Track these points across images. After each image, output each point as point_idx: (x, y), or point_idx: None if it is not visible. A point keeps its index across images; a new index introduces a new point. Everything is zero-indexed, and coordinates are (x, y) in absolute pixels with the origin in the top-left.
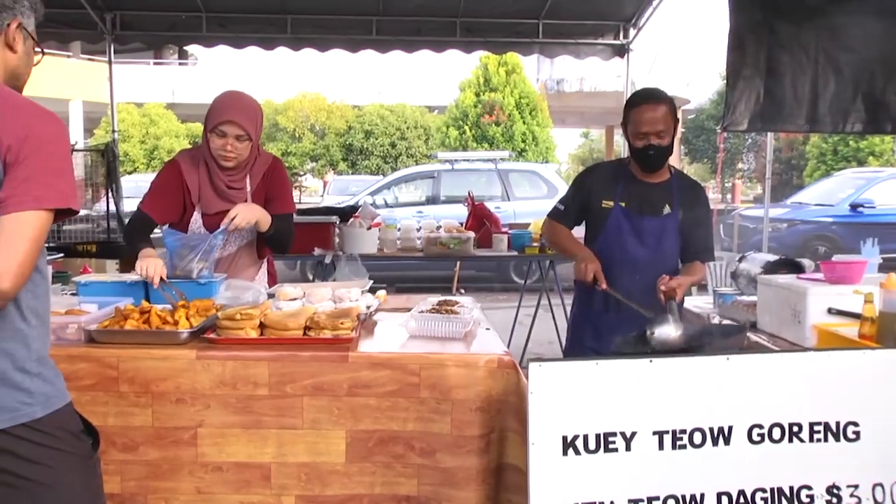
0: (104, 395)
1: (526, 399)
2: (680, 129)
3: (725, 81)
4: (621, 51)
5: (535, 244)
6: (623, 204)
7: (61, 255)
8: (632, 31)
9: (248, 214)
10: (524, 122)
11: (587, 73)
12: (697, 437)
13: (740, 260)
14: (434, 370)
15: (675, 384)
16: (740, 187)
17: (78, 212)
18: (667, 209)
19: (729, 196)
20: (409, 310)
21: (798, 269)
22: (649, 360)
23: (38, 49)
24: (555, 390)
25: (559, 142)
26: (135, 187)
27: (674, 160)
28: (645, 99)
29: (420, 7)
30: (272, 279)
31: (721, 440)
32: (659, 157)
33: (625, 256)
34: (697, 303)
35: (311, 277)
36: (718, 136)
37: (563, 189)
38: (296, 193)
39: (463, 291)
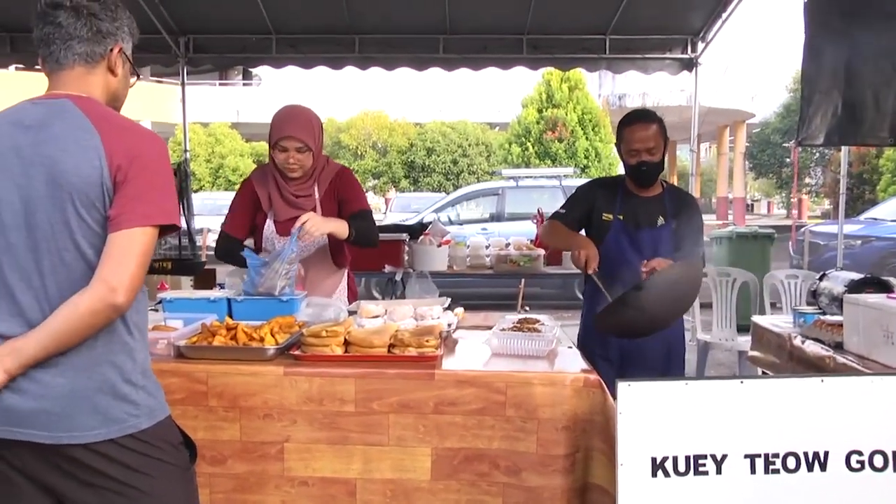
0: (194, 409)
1: (612, 419)
2: (744, 144)
3: (800, 94)
4: (689, 65)
5: None
6: (621, 217)
7: None
8: (700, 45)
9: (321, 225)
10: (587, 138)
11: (649, 88)
12: (791, 462)
13: (821, 278)
14: (520, 388)
15: (767, 406)
16: (807, 203)
17: (180, 228)
18: (661, 220)
19: (795, 212)
20: (487, 327)
21: (886, 288)
22: (740, 381)
23: (134, 72)
24: (644, 410)
25: None
26: (201, 204)
27: (737, 175)
28: (637, 118)
29: (487, 25)
30: (352, 294)
31: (817, 466)
32: (651, 172)
33: (624, 267)
34: (776, 321)
35: (377, 295)
36: (792, 151)
37: None
38: None
39: (528, 308)
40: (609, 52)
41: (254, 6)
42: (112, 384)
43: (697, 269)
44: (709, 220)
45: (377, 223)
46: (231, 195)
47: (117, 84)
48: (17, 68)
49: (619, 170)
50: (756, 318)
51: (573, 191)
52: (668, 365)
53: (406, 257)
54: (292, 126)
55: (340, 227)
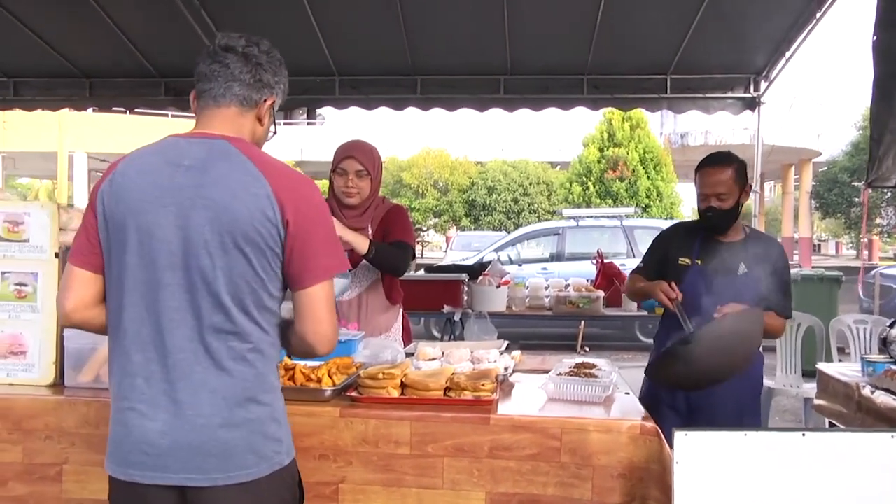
0: None
1: (670, 468)
2: (810, 183)
3: (869, 134)
4: (752, 104)
5: None
6: (699, 262)
7: None
8: (763, 84)
9: (340, 230)
10: (648, 178)
11: (712, 127)
12: None
13: (892, 325)
14: (576, 434)
15: (832, 461)
16: (878, 243)
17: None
18: (742, 268)
19: (865, 253)
20: (544, 371)
21: None
22: (801, 434)
23: (274, 128)
24: (701, 461)
25: (684, 196)
26: None
27: (802, 215)
28: (710, 162)
29: (547, 66)
30: (406, 333)
31: None
32: (719, 219)
33: (699, 314)
34: (843, 369)
35: (436, 334)
36: (862, 192)
37: None
38: (418, 248)
39: (587, 349)
40: (670, 92)
41: (318, 49)
42: (262, 423)
43: (753, 322)
44: None
45: (438, 261)
46: None
47: (261, 133)
48: (172, 115)
49: (682, 210)
50: (821, 366)
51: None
52: (739, 419)
53: (465, 297)
54: (352, 149)
55: (359, 241)
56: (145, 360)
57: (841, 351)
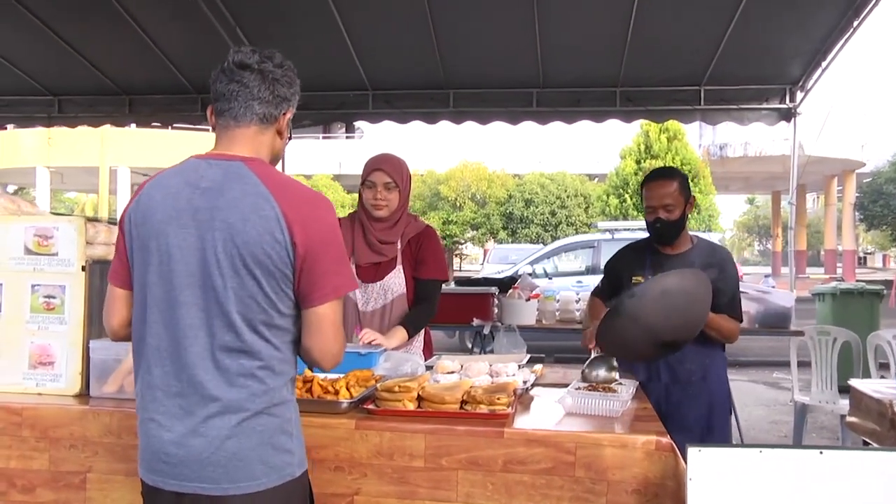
0: None
1: (684, 484)
2: (853, 194)
3: None
4: (788, 115)
5: None
6: (651, 277)
7: None
8: (799, 95)
9: (384, 342)
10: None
11: (752, 138)
12: None
13: None
14: (590, 449)
15: (851, 479)
16: None
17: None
18: None
19: None
20: (565, 385)
21: None
22: (819, 452)
23: (290, 136)
24: (715, 478)
25: (723, 209)
26: None
27: (846, 227)
28: (656, 177)
29: (579, 78)
30: (427, 348)
31: None
32: (666, 230)
33: None
34: (877, 386)
35: (470, 346)
36: None
37: None
38: (456, 261)
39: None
40: (703, 104)
41: (351, 64)
42: (272, 434)
43: (698, 281)
44: (817, 273)
45: (473, 277)
46: None
47: (281, 146)
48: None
49: (721, 222)
50: (854, 382)
51: None
52: (709, 429)
53: (496, 310)
54: (381, 162)
55: (401, 339)
56: (164, 374)
57: (884, 367)
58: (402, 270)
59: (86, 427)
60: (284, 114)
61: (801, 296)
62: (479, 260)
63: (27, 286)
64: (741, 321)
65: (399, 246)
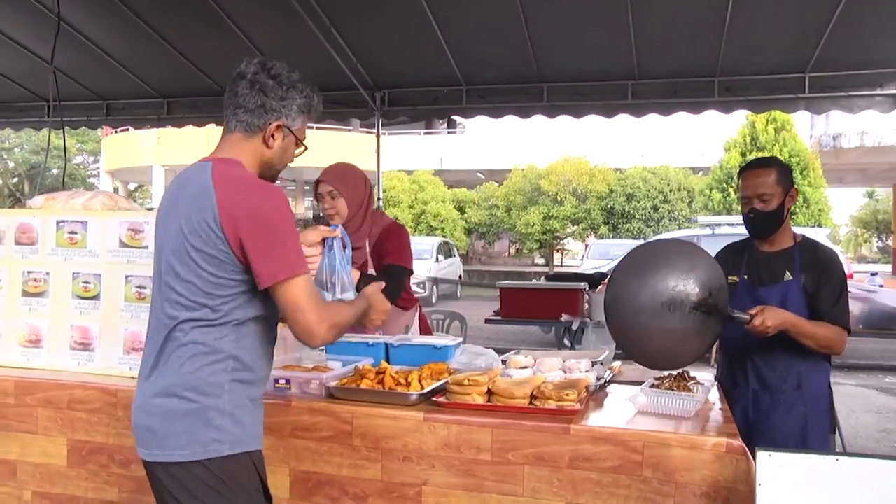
0: (339, 447)
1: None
2: None
3: None
4: None
5: None
6: (746, 277)
7: None
8: None
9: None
10: (794, 183)
11: (869, 127)
12: None
13: None
14: (657, 449)
15: None
16: None
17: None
18: (787, 276)
19: None
20: (642, 383)
21: None
22: None
23: (300, 144)
24: (787, 485)
25: (836, 203)
26: None
27: None
28: (753, 165)
29: (676, 69)
30: (423, 323)
31: None
32: (761, 222)
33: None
34: None
35: (566, 343)
36: None
37: None
38: (557, 257)
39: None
40: (808, 91)
41: (444, 59)
42: (202, 410)
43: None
44: None
45: (573, 270)
46: (432, 240)
47: (271, 155)
48: (318, 127)
49: (833, 217)
50: None
51: None
52: (803, 444)
53: (586, 306)
54: (324, 173)
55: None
56: (148, 352)
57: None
58: (373, 271)
59: None
60: (271, 124)
61: None
62: (579, 255)
63: (122, 277)
64: (848, 330)
65: (367, 248)
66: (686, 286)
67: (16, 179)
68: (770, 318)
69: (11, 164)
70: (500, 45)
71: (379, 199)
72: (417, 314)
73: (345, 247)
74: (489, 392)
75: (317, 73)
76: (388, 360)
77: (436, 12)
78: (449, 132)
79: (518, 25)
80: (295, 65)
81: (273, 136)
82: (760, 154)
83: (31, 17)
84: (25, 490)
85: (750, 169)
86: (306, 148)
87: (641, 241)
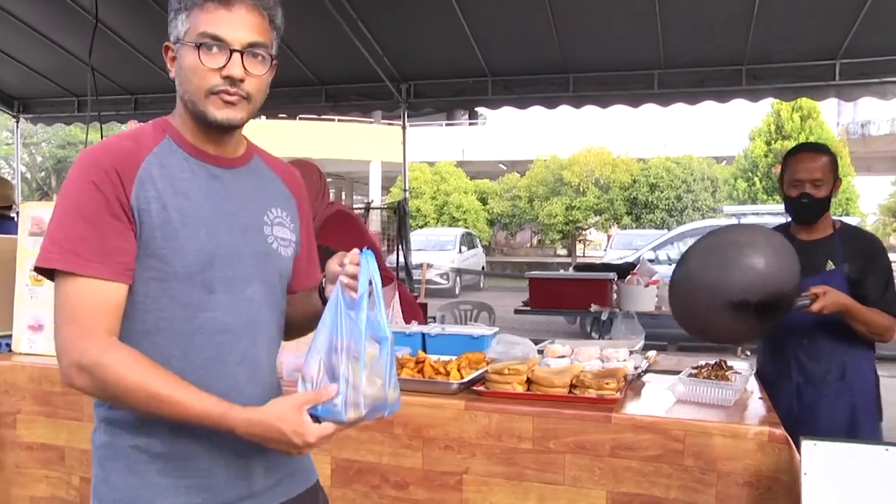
0: (380, 435)
1: (799, 479)
2: None
3: None
4: None
5: None
6: None
7: None
8: None
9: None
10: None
11: None
12: None
13: None
14: (699, 438)
15: None
16: None
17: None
18: (829, 265)
19: None
20: (678, 372)
21: None
22: None
23: (197, 45)
24: (833, 474)
25: (864, 191)
26: (425, 240)
27: None
28: (806, 149)
29: (703, 58)
30: (408, 305)
31: None
32: (812, 207)
33: (789, 321)
34: None
35: (590, 332)
36: None
37: None
38: (579, 247)
39: (749, 353)
40: (839, 79)
41: (470, 51)
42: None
43: (751, 231)
44: None
45: (597, 260)
46: (455, 231)
47: (178, 86)
48: (340, 120)
49: (860, 205)
50: None
51: None
52: (853, 434)
53: (614, 296)
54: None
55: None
56: None
57: None
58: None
59: None
60: (166, 46)
61: None
62: (602, 246)
63: None
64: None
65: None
66: (765, 287)
67: (43, 174)
68: (831, 301)
69: (39, 159)
70: (526, 36)
71: (405, 190)
72: (396, 291)
73: (371, 290)
74: (528, 381)
75: (343, 66)
76: (424, 350)
77: (462, 3)
78: (471, 123)
79: (544, 15)
80: (322, 58)
81: (169, 64)
82: (787, 143)
83: (63, 15)
84: (73, 475)
85: (803, 151)
86: (218, 39)
87: (664, 231)
